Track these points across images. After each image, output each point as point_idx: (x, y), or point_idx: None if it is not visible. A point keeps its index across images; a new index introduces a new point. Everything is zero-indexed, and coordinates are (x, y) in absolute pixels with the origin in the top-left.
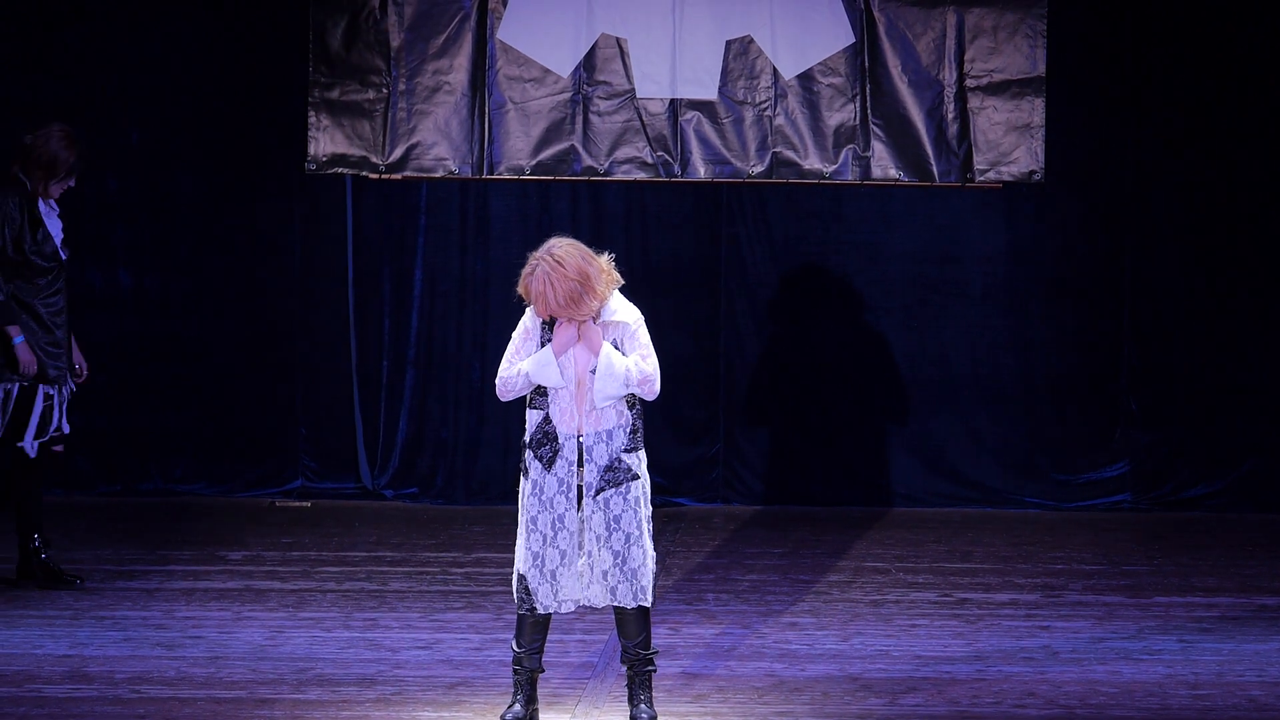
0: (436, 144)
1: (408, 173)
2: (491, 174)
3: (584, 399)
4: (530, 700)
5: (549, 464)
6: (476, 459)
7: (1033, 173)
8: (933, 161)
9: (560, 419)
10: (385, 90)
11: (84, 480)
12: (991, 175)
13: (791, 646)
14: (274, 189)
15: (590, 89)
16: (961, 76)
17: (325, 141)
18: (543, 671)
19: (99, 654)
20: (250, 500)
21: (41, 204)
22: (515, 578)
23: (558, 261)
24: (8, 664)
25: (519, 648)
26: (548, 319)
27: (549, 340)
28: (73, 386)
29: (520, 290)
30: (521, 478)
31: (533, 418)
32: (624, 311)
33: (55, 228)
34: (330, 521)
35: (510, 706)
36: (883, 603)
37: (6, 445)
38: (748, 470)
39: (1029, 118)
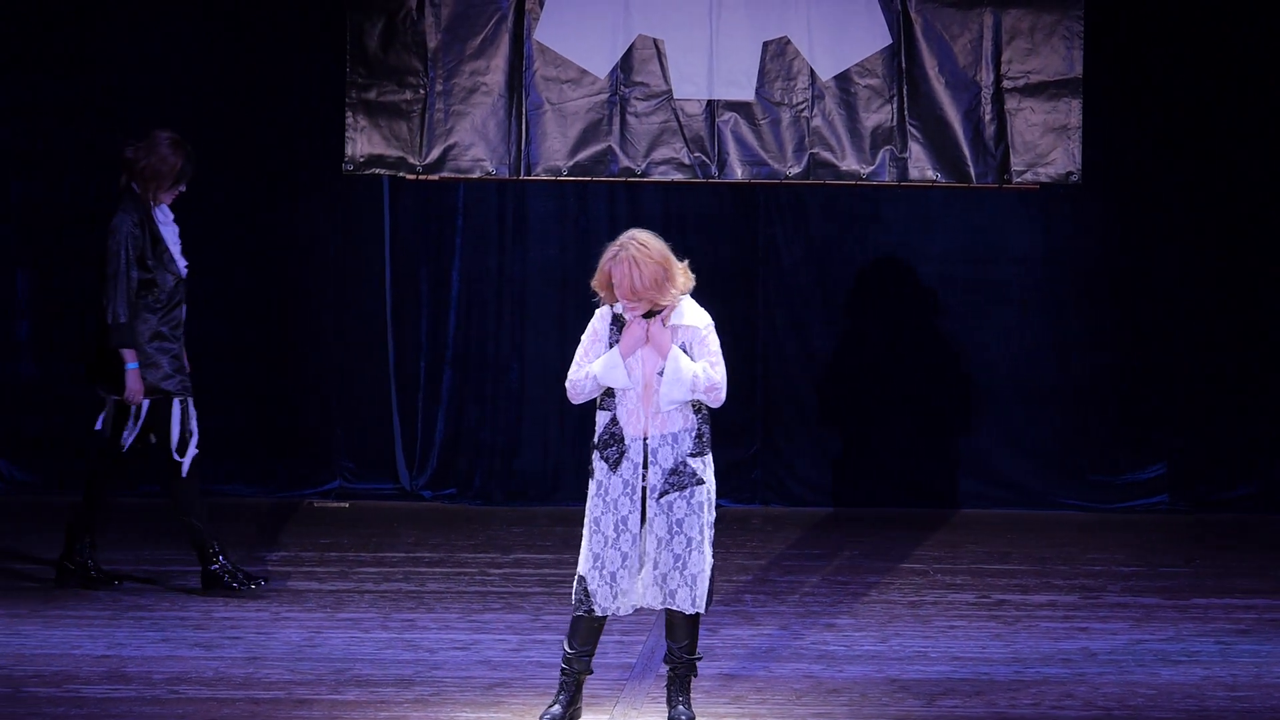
0: (473, 145)
1: (445, 174)
2: (528, 175)
3: (650, 401)
4: (573, 701)
5: (615, 465)
6: (515, 460)
7: (1070, 174)
8: (970, 163)
9: (627, 421)
10: (422, 91)
11: (125, 481)
12: (1028, 176)
13: (829, 648)
14: (311, 190)
15: (627, 90)
16: (999, 78)
17: (362, 142)
18: (590, 674)
19: (137, 654)
20: (288, 501)
21: (157, 214)
22: (576, 578)
23: (643, 244)
24: (46, 664)
25: (570, 649)
26: (616, 317)
27: (617, 342)
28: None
29: (598, 280)
30: (589, 478)
31: (601, 419)
32: (694, 315)
33: (172, 236)
34: (368, 522)
35: (550, 707)
36: (920, 604)
37: (108, 451)
38: (786, 472)
39: (1066, 119)
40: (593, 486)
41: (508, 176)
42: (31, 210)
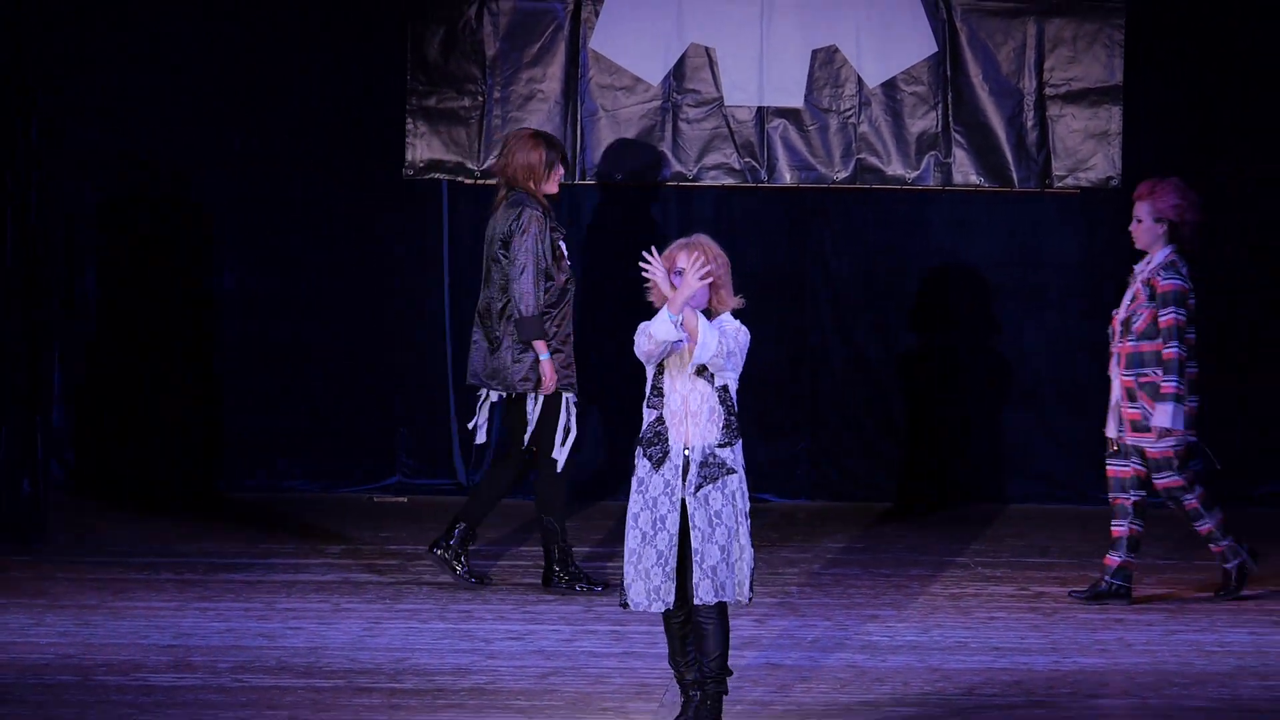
0: None
1: None
2: (583, 179)
3: (690, 409)
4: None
5: (658, 464)
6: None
7: (1110, 179)
8: (1012, 168)
9: (672, 422)
10: (480, 98)
11: (190, 477)
12: (1070, 181)
13: (872, 638)
14: (374, 195)
15: (680, 97)
16: (1041, 85)
17: (422, 148)
18: (695, 680)
19: (202, 644)
20: (350, 496)
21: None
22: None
23: (712, 245)
24: (115, 654)
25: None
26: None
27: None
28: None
29: (665, 260)
30: (632, 474)
31: (647, 415)
32: (730, 322)
33: (559, 236)
34: (426, 517)
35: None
36: (961, 596)
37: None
38: (833, 468)
39: (1106, 125)
40: (634, 483)
41: (563, 181)
42: (104, 210)
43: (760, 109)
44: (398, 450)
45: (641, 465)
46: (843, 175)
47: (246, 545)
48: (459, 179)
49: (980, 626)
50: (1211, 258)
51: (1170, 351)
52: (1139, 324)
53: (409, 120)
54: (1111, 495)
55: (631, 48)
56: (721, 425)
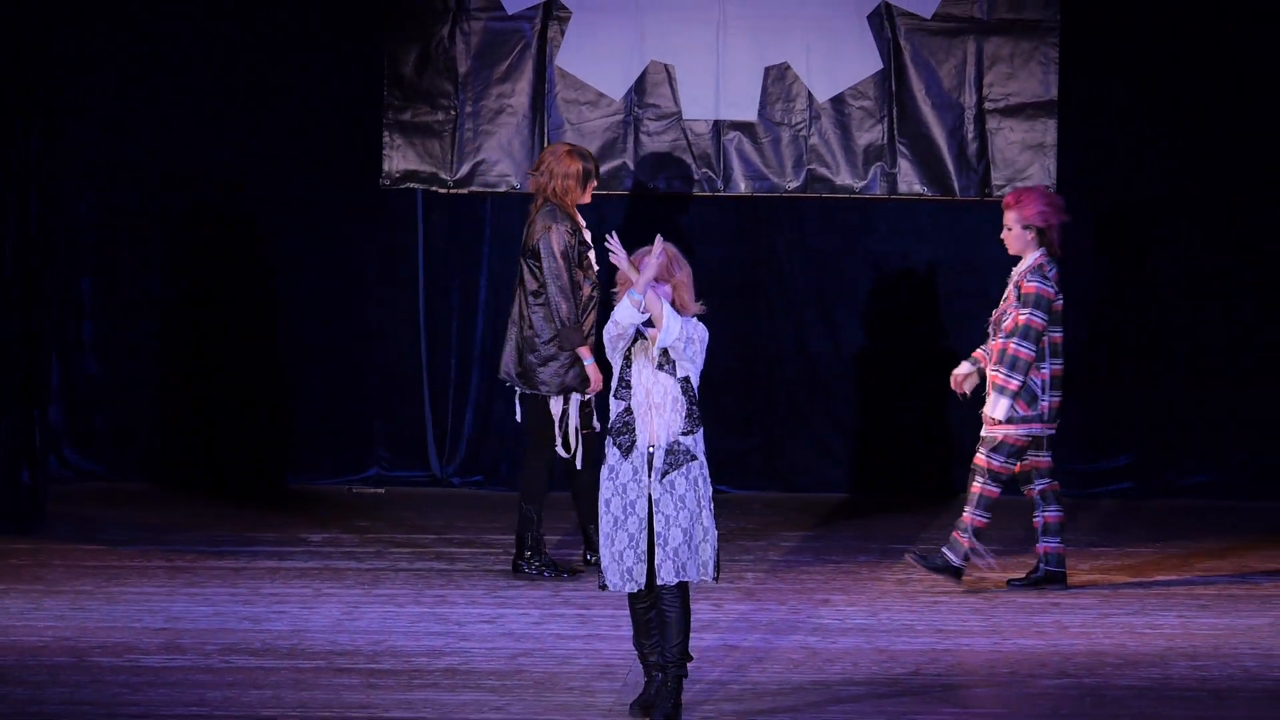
0: (500, 161)
1: (474, 187)
2: None
3: (655, 400)
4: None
5: (626, 452)
6: None
7: (1045, 188)
8: (954, 177)
9: (639, 412)
10: (453, 112)
11: (180, 470)
12: (1008, 190)
13: (824, 621)
14: (352, 204)
15: (641, 111)
16: (981, 100)
17: (398, 159)
18: (660, 662)
19: (191, 627)
20: (330, 488)
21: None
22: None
23: (681, 255)
24: (109, 636)
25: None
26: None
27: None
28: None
29: (629, 259)
30: (602, 462)
31: (615, 406)
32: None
33: (587, 244)
34: (403, 507)
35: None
36: (907, 581)
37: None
38: (784, 461)
39: (1042, 137)
40: (605, 471)
41: (531, 190)
42: (98, 219)
43: (716, 122)
44: (375, 444)
45: (611, 454)
46: (794, 185)
47: (233, 534)
48: (433, 188)
49: (925, 610)
50: (1140, 261)
51: (1019, 349)
52: (1008, 323)
53: (386, 133)
54: (1024, 488)
55: (595, 65)
56: (684, 415)
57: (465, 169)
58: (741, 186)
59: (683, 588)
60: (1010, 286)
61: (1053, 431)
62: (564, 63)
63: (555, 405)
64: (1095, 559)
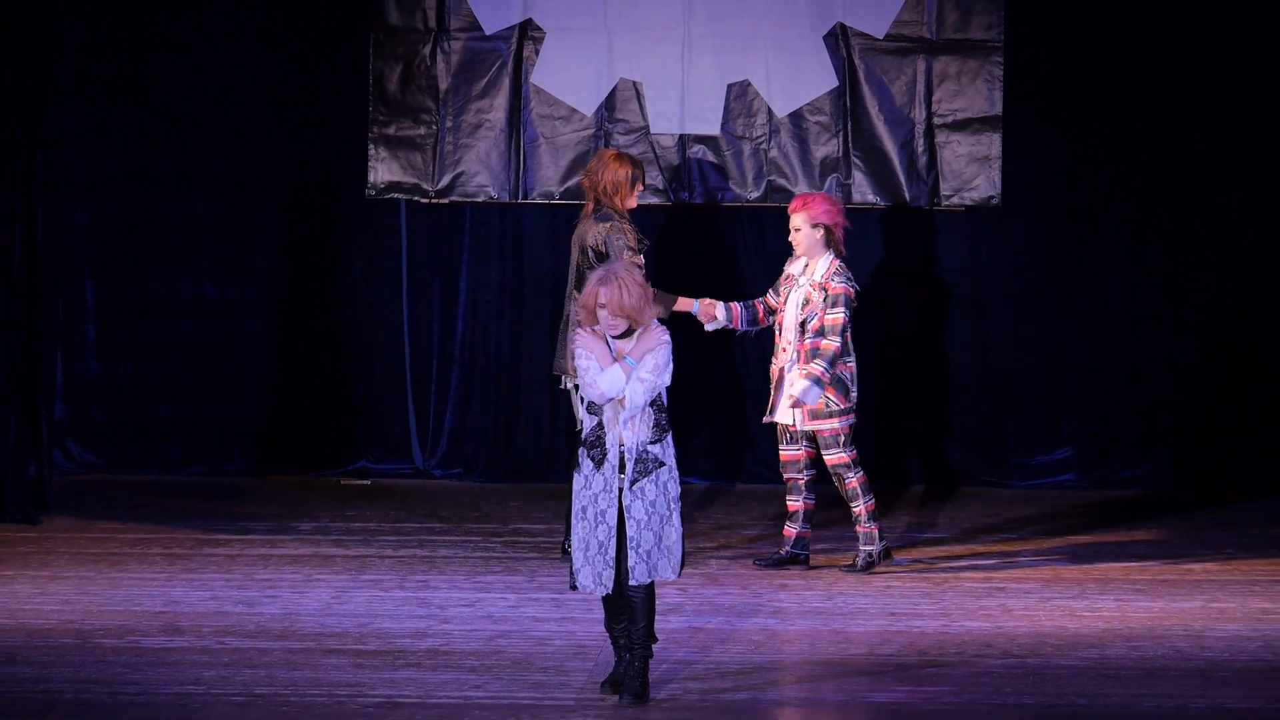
0: (479, 173)
1: (454, 198)
2: (526, 199)
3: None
4: (619, 662)
5: (598, 463)
6: (513, 444)
7: (991, 198)
8: (905, 188)
9: (610, 427)
10: (435, 127)
11: (175, 462)
12: (955, 200)
13: (783, 604)
14: (339, 212)
15: (611, 125)
16: (930, 115)
17: (383, 171)
18: (627, 644)
19: (189, 610)
20: (319, 479)
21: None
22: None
23: (626, 273)
24: (111, 619)
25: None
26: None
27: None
28: None
29: (584, 301)
30: (575, 471)
31: (589, 421)
32: (659, 333)
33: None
34: (388, 497)
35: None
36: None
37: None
38: (748, 454)
39: (988, 150)
40: (579, 480)
41: (508, 200)
42: (99, 227)
43: (682, 136)
44: (361, 438)
45: (585, 464)
46: (755, 195)
47: (227, 523)
48: (415, 198)
49: (878, 594)
50: (1080, 265)
51: (828, 343)
52: (814, 323)
53: (371, 146)
54: (787, 475)
55: (568, 82)
56: (652, 425)
57: (446, 180)
58: (705, 197)
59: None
60: (806, 288)
61: (853, 421)
62: (539, 80)
63: None
64: (1039, 546)
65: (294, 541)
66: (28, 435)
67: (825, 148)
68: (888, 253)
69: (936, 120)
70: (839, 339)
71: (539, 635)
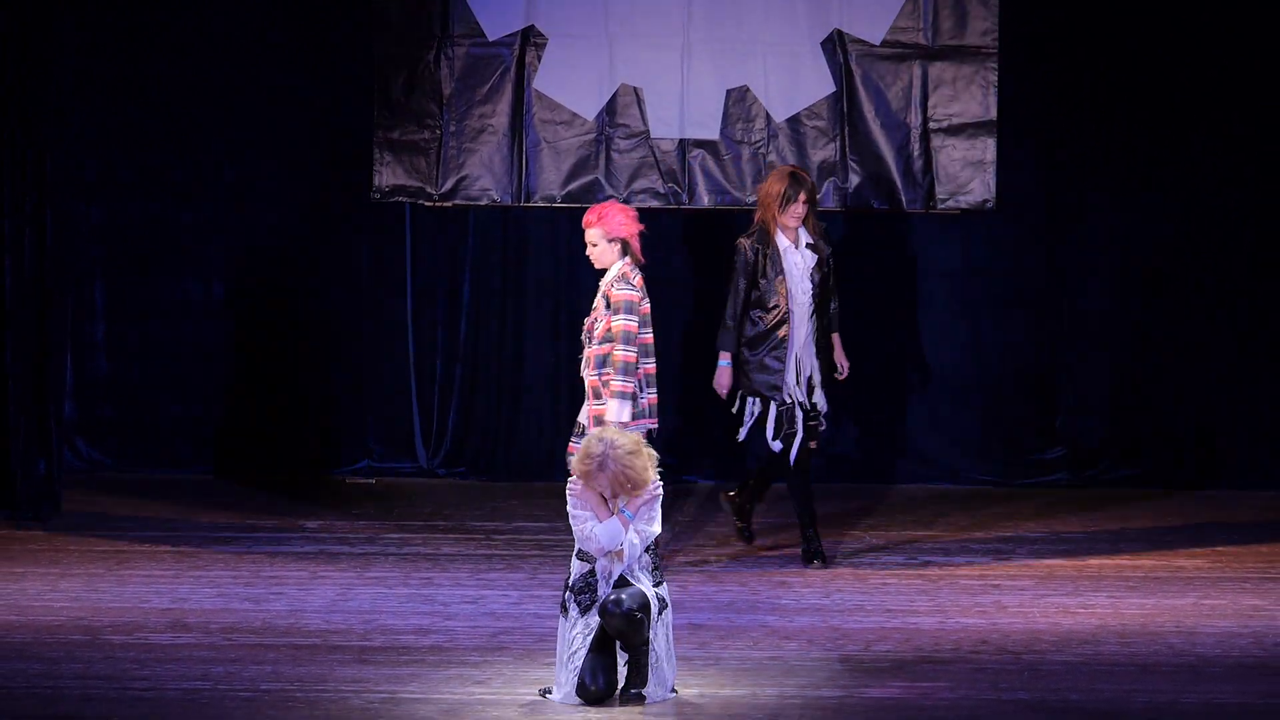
0: (482, 177)
1: (457, 201)
2: (528, 202)
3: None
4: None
5: (585, 610)
6: (515, 443)
7: (985, 201)
8: (901, 192)
9: (603, 576)
10: (438, 131)
11: (185, 461)
12: (951, 204)
13: (781, 601)
14: (345, 216)
15: (611, 130)
16: (926, 120)
17: (387, 174)
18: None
19: (196, 607)
20: (325, 478)
21: (783, 241)
22: (550, 694)
23: (620, 451)
24: (120, 615)
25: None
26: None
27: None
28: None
29: (585, 485)
30: (561, 614)
31: (579, 567)
32: (650, 489)
33: (793, 261)
34: (392, 496)
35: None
36: (859, 565)
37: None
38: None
39: (982, 155)
40: (564, 623)
41: (510, 204)
42: (108, 230)
43: (682, 141)
44: (366, 437)
45: (573, 609)
46: (754, 199)
47: (235, 520)
48: (419, 202)
49: (875, 591)
50: (1073, 268)
51: (620, 353)
52: (599, 330)
53: (376, 150)
54: None
55: (569, 87)
56: (651, 569)
57: (449, 184)
58: (705, 200)
59: (645, 607)
60: (599, 296)
61: (655, 425)
62: (541, 85)
63: (751, 405)
64: (1032, 544)
65: (299, 539)
66: (37, 434)
67: (823, 152)
68: (885, 255)
69: (932, 125)
70: (632, 348)
71: (540, 632)
